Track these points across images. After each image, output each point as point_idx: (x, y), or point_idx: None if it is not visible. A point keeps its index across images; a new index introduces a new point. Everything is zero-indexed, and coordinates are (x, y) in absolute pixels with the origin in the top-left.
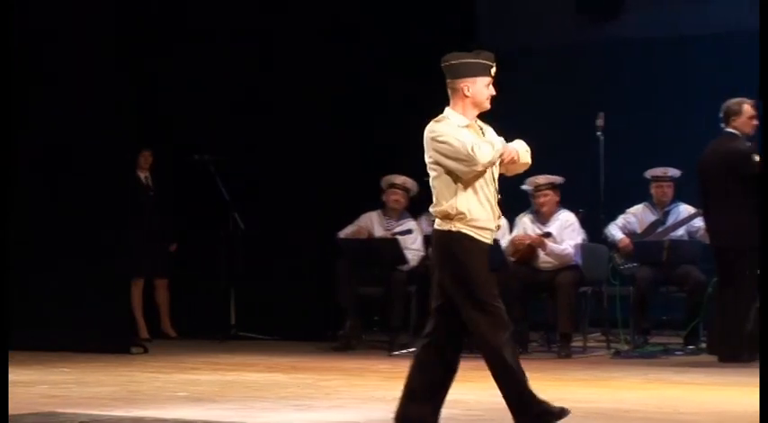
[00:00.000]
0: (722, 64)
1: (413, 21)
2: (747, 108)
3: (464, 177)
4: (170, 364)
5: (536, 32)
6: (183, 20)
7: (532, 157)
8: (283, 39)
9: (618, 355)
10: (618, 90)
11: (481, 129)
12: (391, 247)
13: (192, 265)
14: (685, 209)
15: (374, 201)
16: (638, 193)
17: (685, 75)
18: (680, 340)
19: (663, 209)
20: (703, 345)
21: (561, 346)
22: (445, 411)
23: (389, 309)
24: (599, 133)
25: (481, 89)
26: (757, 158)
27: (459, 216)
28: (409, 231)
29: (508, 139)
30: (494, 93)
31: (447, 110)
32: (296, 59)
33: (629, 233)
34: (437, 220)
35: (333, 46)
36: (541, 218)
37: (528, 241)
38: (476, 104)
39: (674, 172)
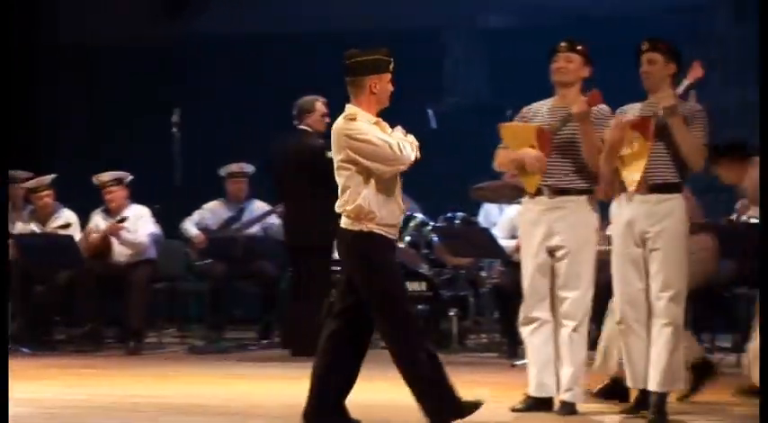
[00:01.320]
0: (302, 62)
1: None
2: (320, 106)
3: (382, 176)
4: None
5: (114, 28)
6: None
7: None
8: None
9: (193, 350)
10: (194, 86)
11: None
12: None
13: None
14: (260, 205)
15: None
16: (214, 190)
17: (261, 72)
18: (254, 335)
19: (238, 205)
20: (277, 339)
21: (135, 342)
22: (17, 410)
23: None
24: (174, 129)
25: (386, 85)
26: (330, 155)
27: (370, 215)
28: None
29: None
30: (392, 89)
31: (353, 107)
32: None
33: (204, 229)
34: (345, 220)
35: None
36: (113, 213)
37: (102, 233)
38: (380, 101)
39: (248, 168)
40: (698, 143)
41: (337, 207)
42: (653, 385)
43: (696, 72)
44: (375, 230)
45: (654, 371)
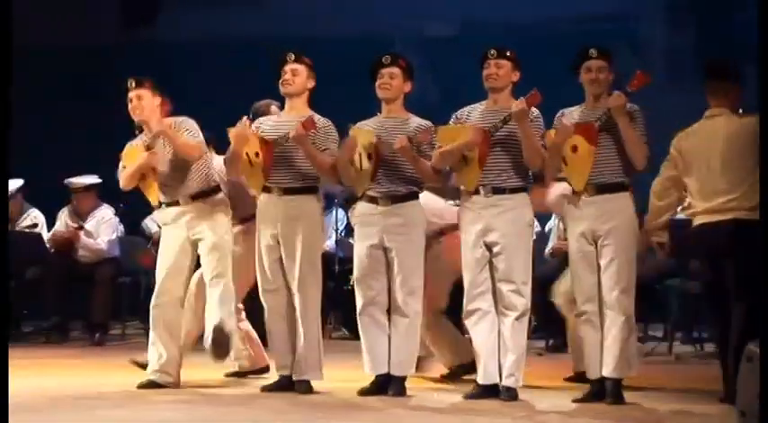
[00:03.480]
0: (247, 67)
1: None
2: (274, 109)
3: None
4: None
5: (78, 32)
6: None
7: None
8: None
9: None
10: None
11: None
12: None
13: None
14: None
15: None
16: None
17: (214, 76)
18: None
19: None
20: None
21: (100, 334)
22: None
23: None
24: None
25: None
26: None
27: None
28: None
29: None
30: None
31: (722, 109)
32: None
33: None
34: (747, 212)
35: None
36: (81, 215)
37: (66, 234)
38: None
39: None
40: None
41: (734, 202)
42: (607, 372)
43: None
44: None
45: (609, 358)
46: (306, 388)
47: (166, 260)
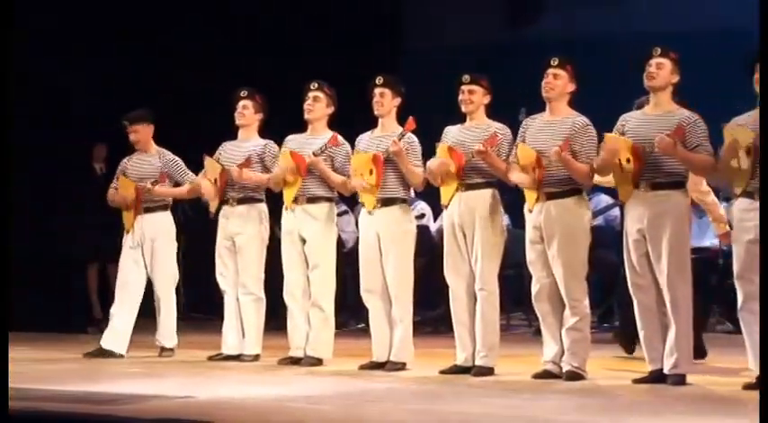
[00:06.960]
0: (637, 63)
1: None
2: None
3: None
4: None
5: (463, 32)
6: None
7: None
8: None
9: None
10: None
11: None
12: None
13: None
14: (604, 199)
15: None
16: None
17: (600, 73)
18: (595, 319)
19: None
20: (617, 323)
21: None
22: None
23: None
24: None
25: None
26: None
27: None
28: (346, 212)
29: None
30: None
31: None
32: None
33: None
34: None
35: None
36: None
37: None
38: None
39: None
40: None
41: None
42: None
43: None
44: None
45: None
46: (679, 380)
47: None
